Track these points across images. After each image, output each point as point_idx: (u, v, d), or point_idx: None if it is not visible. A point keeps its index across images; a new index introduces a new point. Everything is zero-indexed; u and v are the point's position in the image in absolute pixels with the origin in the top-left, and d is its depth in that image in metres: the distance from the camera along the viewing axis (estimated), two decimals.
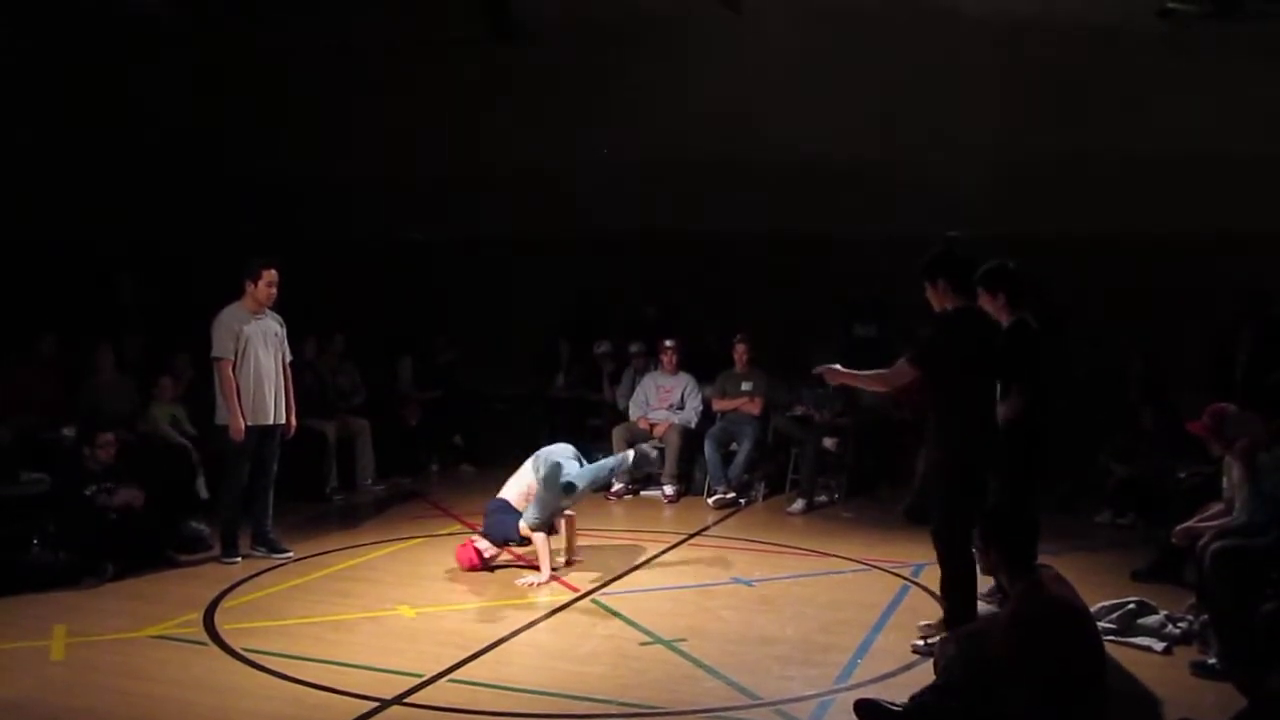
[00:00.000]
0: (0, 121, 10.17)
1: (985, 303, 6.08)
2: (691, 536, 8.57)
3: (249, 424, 7.37)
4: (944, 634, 5.43)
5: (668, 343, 10.46)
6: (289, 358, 7.82)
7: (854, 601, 6.69)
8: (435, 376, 11.63)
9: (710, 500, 9.76)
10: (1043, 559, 4.62)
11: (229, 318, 7.42)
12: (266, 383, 7.48)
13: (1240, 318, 9.13)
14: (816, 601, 6.73)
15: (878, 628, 6.16)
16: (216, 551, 7.54)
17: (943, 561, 5.68)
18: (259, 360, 7.44)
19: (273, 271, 7.49)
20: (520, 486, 7.41)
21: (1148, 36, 8.88)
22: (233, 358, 7.34)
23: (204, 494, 8.77)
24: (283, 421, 7.67)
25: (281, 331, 7.70)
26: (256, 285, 7.46)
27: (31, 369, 9.07)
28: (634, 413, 10.40)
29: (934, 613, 6.41)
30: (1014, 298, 6.02)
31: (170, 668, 5.44)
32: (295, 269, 7.87)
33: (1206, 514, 6.12)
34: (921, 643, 5.68)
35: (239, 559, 7.42)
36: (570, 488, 7.12)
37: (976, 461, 5.58)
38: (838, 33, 9.49)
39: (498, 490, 7.56)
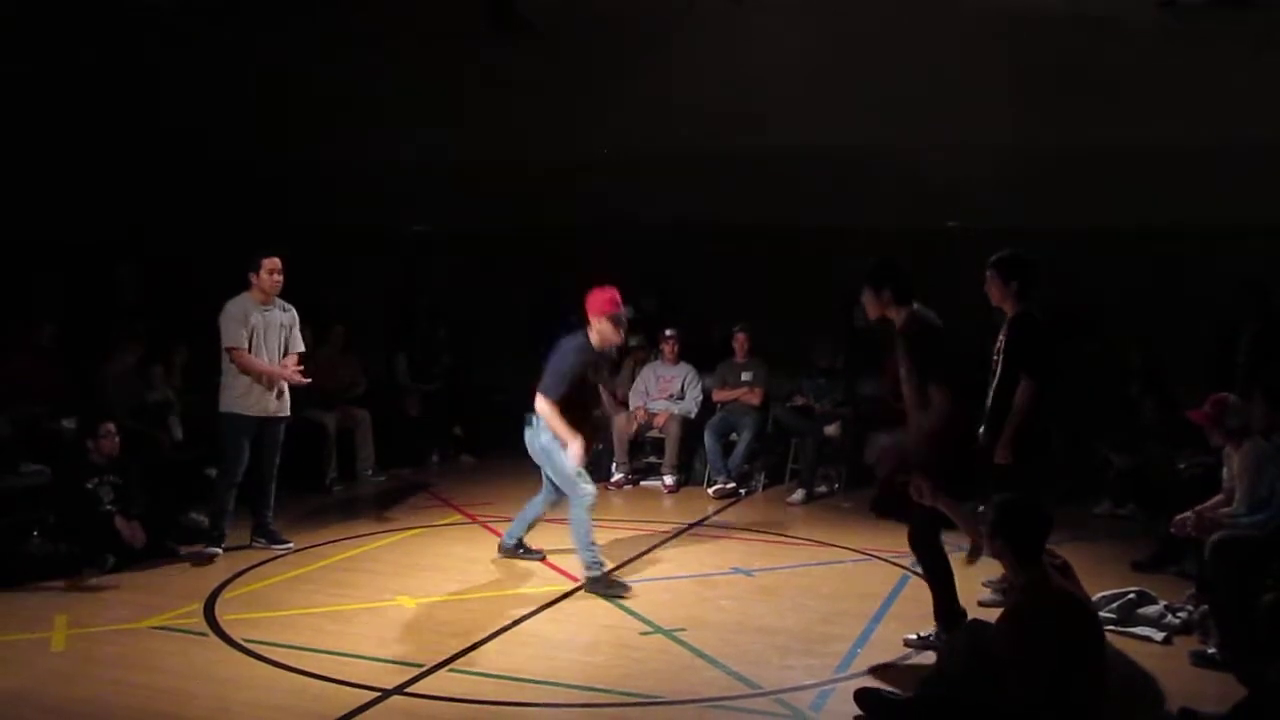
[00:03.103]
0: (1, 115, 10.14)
1: (994, 288, 6.05)
2: (691, 527, 8.58)
3: (249, 415, 7.34)
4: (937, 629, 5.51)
5: (668, 332, 10.46)
6: (300, 348, 7.71)
7: (854, 591, 6.70)
8: (433, 370, 11.62)
9: (710, 490, 9.77)
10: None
11: (235, 309, 7.37)
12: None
13: (1241, 310, 9.12)
14: (816, 591, 6.74)
15: (878, 618, 6.16)
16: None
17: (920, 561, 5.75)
18: (261, 353, 7.40)
19: (274, 260, 7.45)
20: None
21: (1149, 27, 8.85)
22: (245, 345, 7.29)
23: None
24: (284, 414, 7.61)
25: (289, 320, 7.63)
26: (260, 276, 7.42)
27: (29, 357, 9.05)
28: (634, 402, 10.41)
29: (931, 602, 6.43)
30: (1025, 288, 6.00)
31: (171, 659, 5.44)
32: (295, 260, 7.86)
33: (1206, 504, 6.13)
34: (914, 635, 5.67)
35: (219, 550, 7.29)
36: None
37: (964, 463, 5.62)
38: (839, 24, 9.46)
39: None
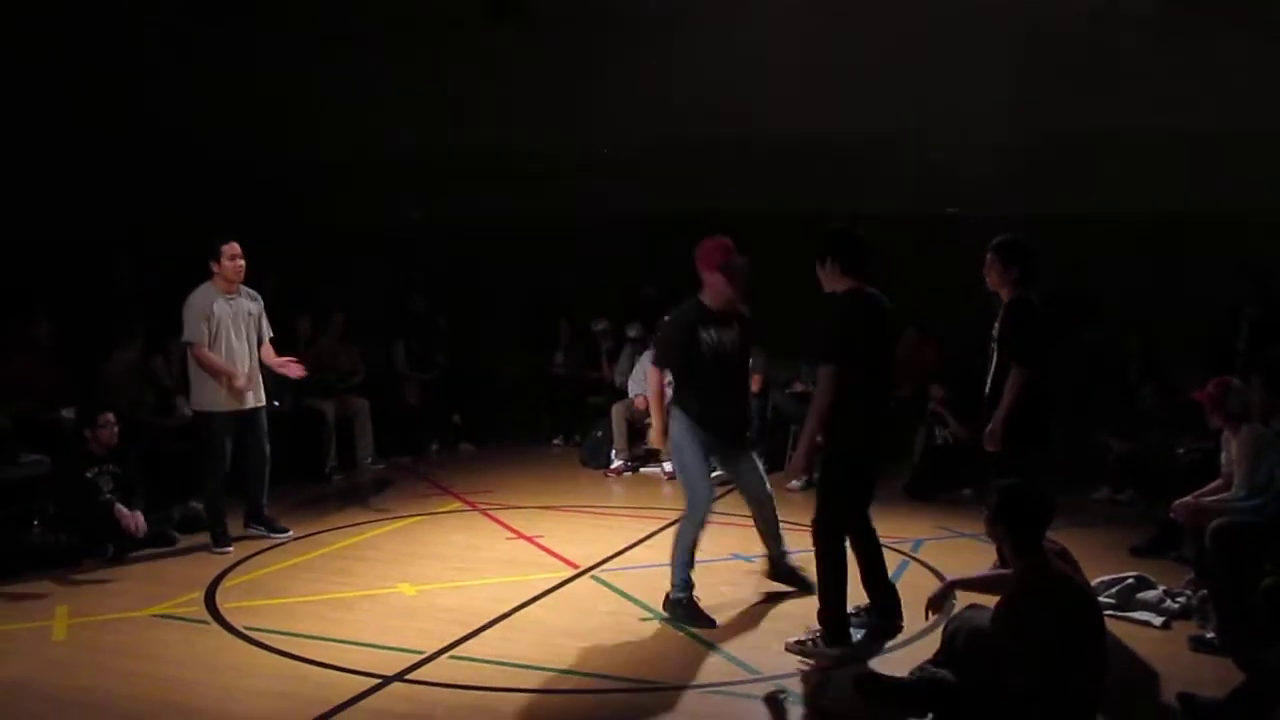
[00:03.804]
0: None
1: (994, 272, 6.02)
2: None
3: (225, 411, 7.21)
4: (816, 632, 5.35)
5: (667, 318, 10.43)
6: (269, 334, 7.57)
7: (853, 577, 6.63)
8: (432, 359, 11.61)
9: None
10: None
11: (199, 300, 7.21)
12: (239, 367, 7.27)
13: (1241, 297, 9.12)
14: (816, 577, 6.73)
15: None
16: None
17: (819, 555, 5.46)
18: (231, 344, 7.23)
19: (233, 245, 7.27)
20: None
21: (1149, 17, 8.86)
22: (204, 341, 7.14)
23: None
24: (261, 404, 7.46)
25: (257, 308, 7.48)
26: (221, 263, 7.24)
27: (27, 352, 9.04)
28: (633, 390, 10.39)
29: (931, 587, 6.43)
30: (1025, 276, 5.98)
31: (172, 647, 5.46)
32: (294, 249, 7.82)
33: (1205, 490, 6.13)
34: (793, 641, 5.40)
35: (231, 548, 7.23)
36: None
37: (869, 451, 5.49)
38: (838, 12, 9.46)
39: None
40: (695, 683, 5.01)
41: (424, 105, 11.14)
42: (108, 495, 7.06)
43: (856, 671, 4.86)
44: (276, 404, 7.87)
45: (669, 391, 6.05)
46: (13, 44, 9.63)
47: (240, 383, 7.23)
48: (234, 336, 7.28)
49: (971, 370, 6.85)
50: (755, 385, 10.09)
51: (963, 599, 5.74)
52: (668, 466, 9.99)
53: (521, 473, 10.04)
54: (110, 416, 7.27)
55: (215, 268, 7.28)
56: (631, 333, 11.03)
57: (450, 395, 11.53)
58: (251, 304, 7.47)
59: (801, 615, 5.97)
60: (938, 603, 4.83)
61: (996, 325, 6.03)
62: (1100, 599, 5.48)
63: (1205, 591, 5.69)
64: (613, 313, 11.56)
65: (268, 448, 7.58)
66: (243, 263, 7.31)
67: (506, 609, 6.01)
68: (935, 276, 9.64)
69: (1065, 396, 9.05)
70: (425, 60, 10.55)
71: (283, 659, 5.26)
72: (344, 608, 6.10)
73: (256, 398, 7.43)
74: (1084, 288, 9.92)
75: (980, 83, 9.63)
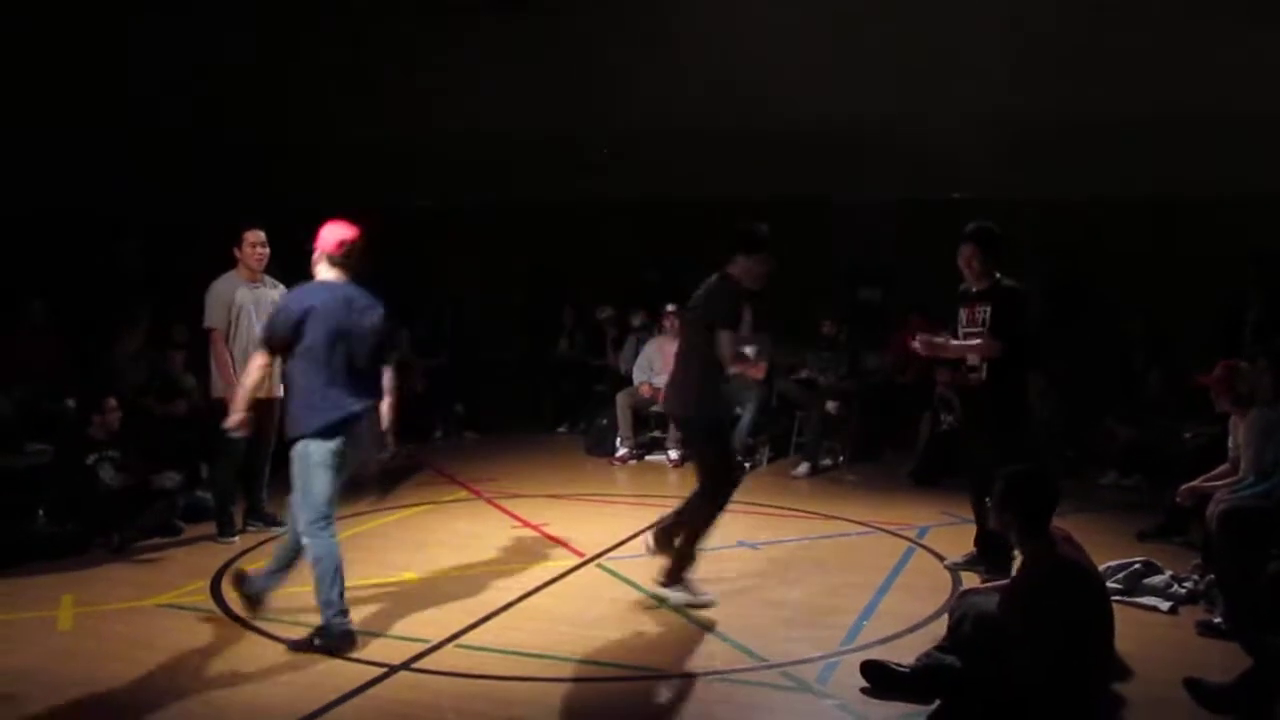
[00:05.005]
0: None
1: (976, 263, 6.00)
2: None
3: None
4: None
5: (670, 307, 10.43)
6: None
7: (859, 564, 6.70)
8: (438, 344, 11.61)
9: None
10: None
11: (221, 287, 7.15)
12: (258, 355, 7.21)
13: (1247, 280, 9.09)
14: (822, 564, 6.74)
15: (883, 590, 6.17)
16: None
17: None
18: (253, 332, 7.08)
19: (256, 232, 7.19)
20: None
21: (1148, 1, 8.84)
22: (224, 328, 7.07)
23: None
24: (279, 395, 7.20)
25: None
26: (243, 250, 7.18)
27: (25, 335, 9.02)
28: (638, 378, 10.39)
29: (937, 574, 6.44)
30: (1000, 261, 6.01)
31: (178, 636, 5.45)
32: (295, 236, 7.77)
33: (1212, 474, 6.12)
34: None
35: (235, 539, 7.18)
36: None
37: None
38: None
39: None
40: (700, 670, 5.00)
41: (425, 93, 11.11)
42: (111, 481, 7.04)
43: (863, 658, 4.85)
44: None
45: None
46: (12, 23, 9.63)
47: (236, 418, 6.91)
48: (256, 325, 7.08)
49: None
50: (759, 372, 10.09)
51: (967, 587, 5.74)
52: (673, 454, 10.01)
53: (527, 461, 10.04)
54: (114, 402, 7.26)
55: (238, 254, 7.21)
56: (636, 321, 11.03)
57: (456, 383, 11.53)
58: (275, 294, 7.29)
59: (806, 603, 5.97)
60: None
61: (986, 313, 5.97)
62: (1107, 584, 5.47)
63: (1212, 576, 5.68)
64: (615, 299, 11.57)
65: (274, 441, 7.41)
66: (265, 250, 7.22)
67: (512, 597, 6.00)
68: (936, 261, 9.62)
69: (1070, 383, 9.06)
70: (426, 48, 10.52)
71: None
72: (349, 596, 6.08)
73: (274, 387, 7.16)
74: (1083, 273, 9.91)
75: (983, 66, 9.59)
